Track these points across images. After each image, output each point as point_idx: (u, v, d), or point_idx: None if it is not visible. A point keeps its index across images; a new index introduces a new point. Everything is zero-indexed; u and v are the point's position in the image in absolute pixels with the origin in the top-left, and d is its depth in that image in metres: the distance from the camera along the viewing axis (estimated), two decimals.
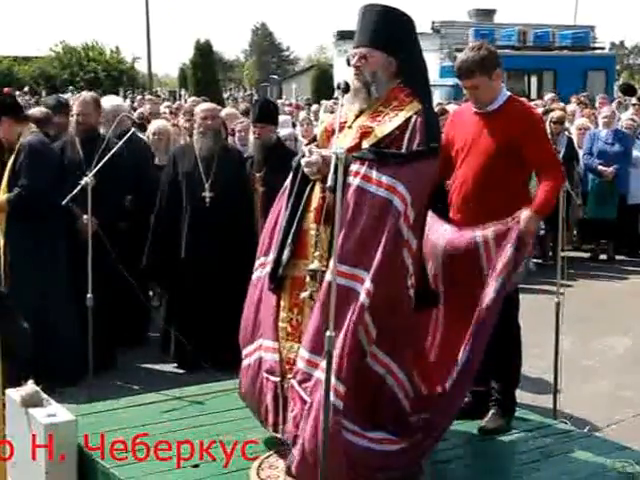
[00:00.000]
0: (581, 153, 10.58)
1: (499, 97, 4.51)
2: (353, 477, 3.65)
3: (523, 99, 5.13)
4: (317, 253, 3.72)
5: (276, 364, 3.90)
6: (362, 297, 3.60)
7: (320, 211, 3.77)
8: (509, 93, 4.60)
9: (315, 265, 3.69)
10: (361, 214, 3.63)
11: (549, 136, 5.36)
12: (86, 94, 7.13)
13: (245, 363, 4.08)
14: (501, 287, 4.06)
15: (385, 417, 3.82)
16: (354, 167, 3.66)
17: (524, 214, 4.22)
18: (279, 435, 3.94)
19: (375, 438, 3.73)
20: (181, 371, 6.46)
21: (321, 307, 3.60)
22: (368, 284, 3.60)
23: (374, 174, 3.65)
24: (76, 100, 6.99)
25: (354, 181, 3.64)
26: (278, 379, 3.89)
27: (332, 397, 3.46)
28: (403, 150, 3.74)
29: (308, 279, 3.71)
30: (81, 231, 6.02)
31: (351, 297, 3.60)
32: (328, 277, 3.57)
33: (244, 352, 4.10)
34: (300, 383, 3.68)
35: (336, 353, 3.50)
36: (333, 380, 3.46)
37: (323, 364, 3.48)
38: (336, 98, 3.88)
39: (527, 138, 4.41)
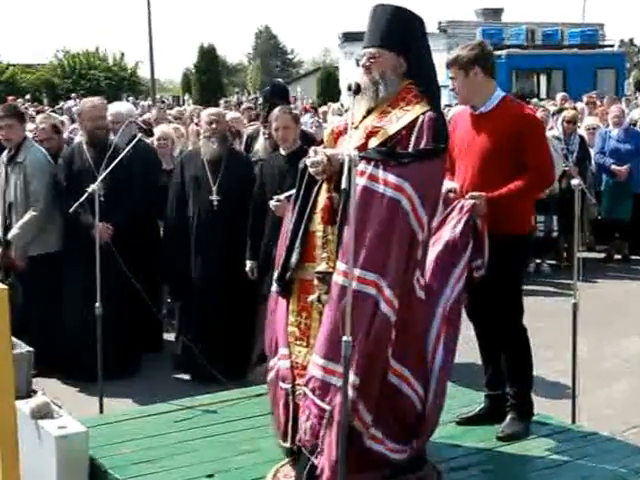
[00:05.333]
0: (592, 152, 10.48)
1: (491, 98, 4.47)
2: None
3: (519, 100, 5.07)
4: (324, 255, 3.66)
5: (287, 371, 3.82)
6: (385, 309, 3.57)
7: (327, 212, 3.71)
8: (503, 93, 4.55)
9: (323, 267, 3.63)
10: (370, 215, 3.57)
11: (548, 140, 5.29)
12: (94, 98, 7.03)
13: (270, 376, 3.97)
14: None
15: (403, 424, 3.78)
16: (360, 167, 3.60)
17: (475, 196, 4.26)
18: (287, 444, 3.86)
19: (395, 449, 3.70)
20: (193, 380, 6.40)
21: (334, 311, 3.52)
22: (388, 293, 3.56)
23: (380, 173, 3.61)
24: (84, 105, 6.86)
25: (360, 181, 3.58)
26: (289, 386, 3.82)
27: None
28: (410, 150, 3.70)
29: (316, 281, 3.64)
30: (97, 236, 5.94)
31: (367, 304, 3.54)
32: (338, 280, 3.52)
33: (269, 365, 3.99)
34: (314, 391, 3.61)
35: (355, 360, 3.46)
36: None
37: (340, 370, 3.43)
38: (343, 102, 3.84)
39: (526, 139, 4.37)
